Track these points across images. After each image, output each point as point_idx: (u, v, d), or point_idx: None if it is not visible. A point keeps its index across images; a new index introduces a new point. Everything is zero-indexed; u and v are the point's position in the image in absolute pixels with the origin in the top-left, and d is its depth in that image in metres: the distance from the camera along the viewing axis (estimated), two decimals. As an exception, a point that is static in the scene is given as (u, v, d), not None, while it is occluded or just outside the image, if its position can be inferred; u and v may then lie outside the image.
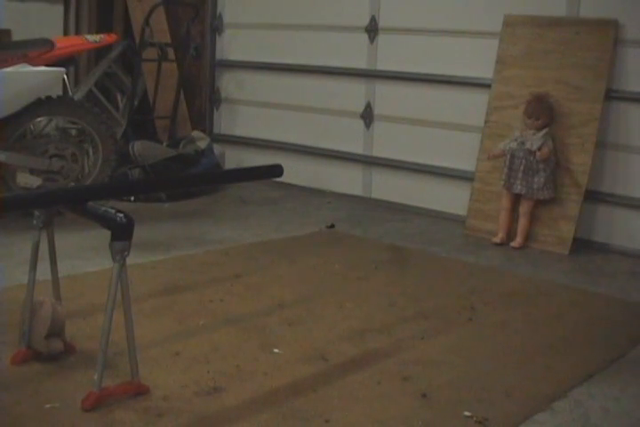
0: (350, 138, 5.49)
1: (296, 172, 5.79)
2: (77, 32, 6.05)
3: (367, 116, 5.40)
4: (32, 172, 4.49)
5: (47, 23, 5.74)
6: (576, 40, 4.31)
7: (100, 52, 5.68)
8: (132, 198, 5.17)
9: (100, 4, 6.28)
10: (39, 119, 4.56)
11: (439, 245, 4.41)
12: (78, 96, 5.09)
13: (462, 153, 4.85)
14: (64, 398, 2.40)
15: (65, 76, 4.80)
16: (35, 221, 2.57)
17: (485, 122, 4.62)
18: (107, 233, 2.32)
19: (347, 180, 5.57)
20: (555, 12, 4.44)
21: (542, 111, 4.28)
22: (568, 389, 2.64)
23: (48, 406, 2.36)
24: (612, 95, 4.27)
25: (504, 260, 4.15)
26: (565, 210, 4.31)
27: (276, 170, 2.71)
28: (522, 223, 4.37)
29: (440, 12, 4.95)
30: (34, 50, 4.42)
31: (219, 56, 6.23)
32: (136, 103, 5.83)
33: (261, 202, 5.34)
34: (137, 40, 5.84)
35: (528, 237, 4.38)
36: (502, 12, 4.63)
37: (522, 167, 4.31)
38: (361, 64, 5.37)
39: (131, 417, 2.31)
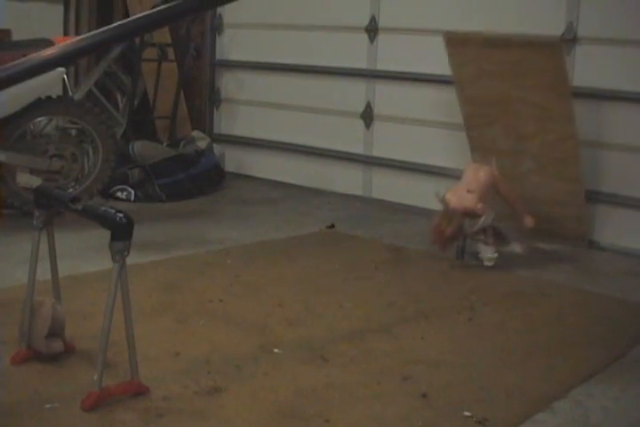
0: (350, 138, 5.49)
1: (296, 172, 5.80)
2: (77, 32, 6.04)
3: (367, 116, 5.40)
4: (32, 172, 4.50)
5: (47, 23, 5.73)
6: (525, 62, 4.10)
7: (100, 52, 5.67)
8: (132, 198, 5.18)
9: (100, 3, 6.28)
10: (39, 119, 4.55)
11: (439, 245, 4.40)
12: (78, 96, 5.08)
13: (462, 153, 4.84)
14: (64, 398, 2.40)
15: (65, 76, 4.80)
16: (35, 221, 2.57)
17: (468, 136, 4.52)
18: (107, 233, 2.32)
19: (347, 180, 5.57)
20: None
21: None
22: (568, 389, 2.63)
23: (48, 406, 2.36)
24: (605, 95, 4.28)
25: (504, 260, 4.14)
26: (569, 211, 4.30)
27: None
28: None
29: (440, 12, 4.94)
30: (34, 50, 4.41)
31: (219, 56, 6.22)
32: (136, 103, 5.83)
33: (261, 202, 5.34)
34: (137, 40, 5.83)
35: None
36: (502, 12, 4.64)
37: None
38: (361, 64, 5.37)
39: (131, 417, 2.31)
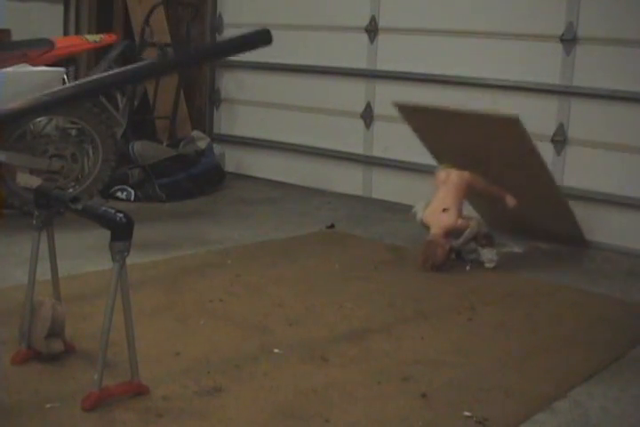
0: (350, 138, 5.49)
1: (296, 172, 5.80)
2: (77, 32, 6.05)
3: (367, 116, 5.40)
4: (32, 172, 4.50)
5: (47, 23, 5.73)
6: (486, 130, 3.97)
7: (99, 52, 5.67)
8: (132, 198, 5.18)
9: (100, 3, 6.28)
10: (39, 119, 4.55)
11: (439, 245, 4.40)
12: (78, 96, 5.08)
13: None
14: (64, 398, 2.40)
15: (65, 76, 4.80)
16: (35, 221, 2.57)
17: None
18: (107, 233, 2.32)
19: (347, 180, 5.57)
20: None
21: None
22: (568, 389, 2.63)
23: (48, 406, 2.36)
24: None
25: (504, 260, 4.14)
26: (561, 222, 4.29)
27: (264, 36, 2.36)
28: None
29: (440, 12, 4.95)
30: (34, 50, 4.42)
31: (219, 56, 6.22)
32: (136, 103, 5.83)
33: (261, 202, 5.34)
34: (137, 40, 5.84)
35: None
36: (502, 12, 4.64)
37: None
38: (361, 64, 5.37)
39: (131, 417, 2.31)
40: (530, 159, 3.98)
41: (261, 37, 2.25)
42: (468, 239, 3.97)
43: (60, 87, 2.17)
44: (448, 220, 3.92)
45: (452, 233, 3.93)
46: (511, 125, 3.84)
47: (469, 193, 4.07)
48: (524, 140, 3.90)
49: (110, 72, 2.17)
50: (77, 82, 2.17)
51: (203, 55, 2.54)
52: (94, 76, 2.15)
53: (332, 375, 2.67)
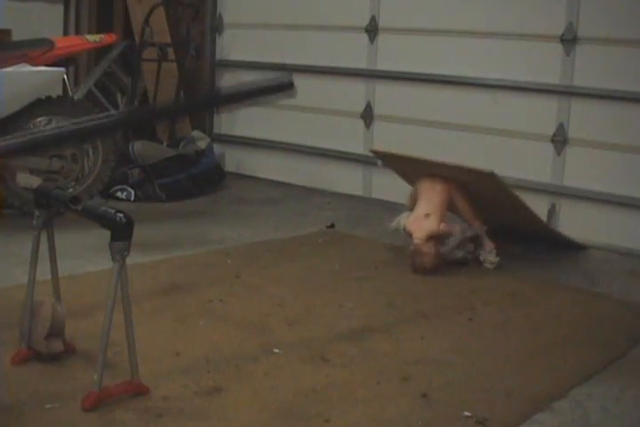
0: (350, 138, 5.49)
1: (296, 172, 5.80)
2: (77, 32, 6.04)
3: (367, 116, 5.40)
4: (32, 172, 4.50)
5: (47, 23, 5.73)
6: (463, 179, 3.98)
7: (100, 52, 5.68)
8: (132, 198, 5.18)
9: (100, 3, 6.28)
10: (39, 119, 4.55)
11: (439, 245, 4.39)
12: (78, 96, 5.09)
13: (462, 153, 4.84)
14: (64, 398, 2.40)
15: (65, 76, 4.80)
16: (35, 221, 2.57)
17: None
18: (107, 233, 2.32)
19: (347, 180, 5.57)
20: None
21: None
22: (568, 389, 2.63)
23: (48, 406, 2.36)
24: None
25: (504, 260, 4.14)
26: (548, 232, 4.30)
27: (286, 85, 2.35)
28: None
29: (439, 12, 4.95)
30: (34, 50, 4.42)
31: (219, 56, 6.22)
32: (136, 103, 5.83)
33: (261, 202, 5.34)
34: (137, 40, 5.83)
35: None
36: (501, 12, 4.64)
37: None
38: (361, 64, 5.37)
39: (131, 417, 2.31)
40: (512, 203, 4.00)
41: (283, 88, 2.25)
42: (453, 248, 3.94)
43: (56, 127, 2.15)
44: (430, 225, 3.86)
45: (435, 238, 3.87)
46: (488, 178, 3.84)
47: (450, 205, 4.03)
48: (504, 191, 3.91)
49: (133, 110, 2.17)
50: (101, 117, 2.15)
51: (221, 100, 2.55)
52: (118, 115, 2.14)
53: (332, 375, 2.67)
